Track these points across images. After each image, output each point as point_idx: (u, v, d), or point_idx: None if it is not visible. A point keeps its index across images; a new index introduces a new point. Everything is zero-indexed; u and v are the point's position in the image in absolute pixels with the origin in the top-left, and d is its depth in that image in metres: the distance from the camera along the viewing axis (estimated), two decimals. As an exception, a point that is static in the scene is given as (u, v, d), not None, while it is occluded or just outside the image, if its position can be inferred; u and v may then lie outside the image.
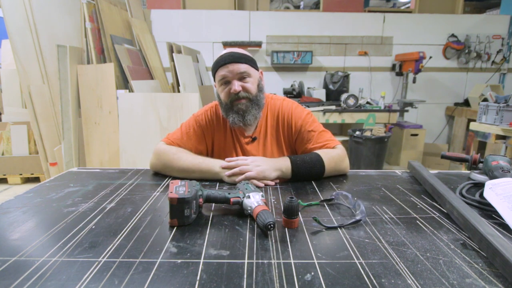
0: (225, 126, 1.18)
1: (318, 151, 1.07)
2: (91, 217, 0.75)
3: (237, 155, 1.17)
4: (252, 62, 1.10)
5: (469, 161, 1.03)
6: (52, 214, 0.77)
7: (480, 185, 0.93)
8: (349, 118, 3.45)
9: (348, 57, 4.08)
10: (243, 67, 1.06)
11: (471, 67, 4.14)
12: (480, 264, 0.56)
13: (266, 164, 0.99)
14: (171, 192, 0.70)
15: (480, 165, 1.02)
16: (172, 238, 0.65)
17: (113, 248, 0.61)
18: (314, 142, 1.12)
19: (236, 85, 1.05)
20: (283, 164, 1.00)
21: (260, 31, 3.97)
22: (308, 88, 3.93)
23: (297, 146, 1.18)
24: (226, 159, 1.02)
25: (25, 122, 3.21)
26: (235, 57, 1.05)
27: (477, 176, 1.00)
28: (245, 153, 1.17)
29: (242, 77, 1.06)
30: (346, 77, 3.79)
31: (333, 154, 1.06)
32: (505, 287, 0.50)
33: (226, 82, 1.07)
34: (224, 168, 0.99)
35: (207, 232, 0.68)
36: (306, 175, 1.02)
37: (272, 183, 0.99)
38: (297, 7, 4.66)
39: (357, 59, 4.08)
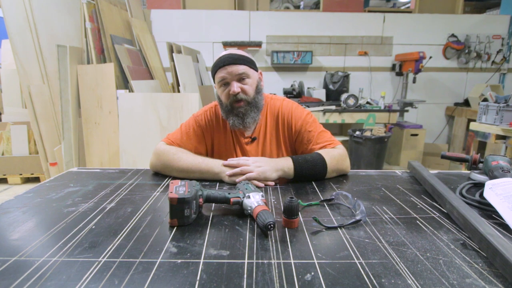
0: (224, 127, 1.18)
1: (320, 151, 1.07)
2: (91, 217, 0.75)
3: (237, 155, 1.18)
4: (250, 63, 1.10)
5: (469, 161, 1.03)
6: (52, 214, 0.77)
7: (480, 185, 0.93)
8: (349, 118, 3.45)
9: (348, 57, 4.08)
10: (241, 69, 1.06)
11: (471, 67, 4.14)
12: (480, 264, 0.56)
13: (267, 165, 0.99)
14: (171, 192, 0.70)
15: (480, 165, 1.02)
16: (172, 238, 0.65)
17: (113, 248, 0.61)
18: (314, 143, 1.12)
19: (235, 87, 1.05)
20: (285, 164, 1.00)
21: (260, 31, 3.97)
22: (308, 88, 3.93)
23: (297, 146, 1.18)
24: (225, 162, 1.02)
25: (25, 122, 3.21)
26: (233, 58, 1.06)
27: (477, 176, 1.00)
28: (244, 153, 1.17)
29: (241, 78, 1.07)
30: (346, 77, 3.79)
31: (335, 154, 1.06)
32: (505, 287, 0.50)
33: (225, 83, 1.08)
34: (225, 166, 1.00)
35: (207, 232, 0.68)
36: (309, 175, 1.01)
37: (272, 183, 0.99)
38: (297, 7, 4.66)
39: (357, 59, 4.08)
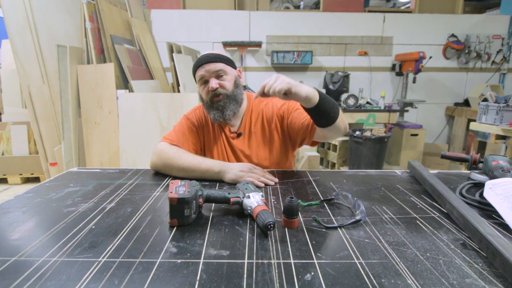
0: (212, 124, 1.24)
1: None
2: (91, 217, 0.75)
3: (225, 150, 1.22)
4: (227, 61, 1.15)
5: (469, 161, 1.03)
6: (52, 214, 0.77)
7: (480, 185, 0.93)
8: (349, 118, 3.45)
9: (348, 57, 4.08)
10: (219, 66, 1.11)
11: (471, 67, 4.14)
12: (480, 264, 0.56)
13: (292, 80, 0.89)
14: (171, 192, 0.70)
15: (480, 165, 1.02)
16: (172, 238, 0.65)
17: (113, 248, 0.61)
18: (305, 116, 1.10)
19: (213, 83, 1.10)
20: (310, 89, 0.91)
21: (260, 31, 3.97)
22: (308, 88, 3.92)
23: (292, 130, 1.16)
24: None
25: (25, 122, 3.21)
26: (210, 57, 1.12)
27: (477, 176, 1.00)
28: (232, 147, 1.21)
29: (218, 75, 1.12)
30: (346, 77, 3.79)
31: None
32: (505, 287, 0.50)
33: (204, 81, 1.13)
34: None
35: (207, 232, 0.68)
36: (328, 110, 0.94)
37: (272, 183, 0.99)
38: (297, 7, 4.66)
39: (357, 59, 4.08)
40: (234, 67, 1.19)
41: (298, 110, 1.15)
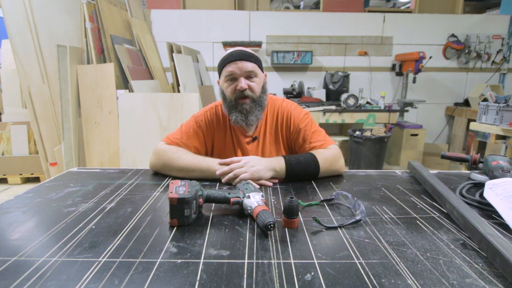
0: (225, 127, 1.19)
1: (313, 152, 1.07)
2: (91, 217, 0.75)
3: (236, 155, 1.18)
4: (259, 63, 1.12)
5: (469, 161, 1.03)
6: (52, 214, 0.77)
7: (480, 185, 0.93)
8: (349, 118, 3.45)
9: (348, 57, 4.08)
10: (251, 66, 1.07)
11: (471, 67, 4.14)
12: (480, 264, 0.56)
13: (260, 164, 0.98)
14: (171, 192, 0.70)
15: (480, 165, 1.02)
16: (172, 238, 0.65)
17: (113, 248, 0.61)
18: (309, 142, 1.13)
19: (243, 83, 1.06)
20: (277, 163, 1.00)
21: (260, 31, 3.97)
22: (308, 88, 3.93)
23: (293, 146, 1.19)
24: (219, 161, 1.01)
25: (25, 122, 3.21)
26: (245, 55, 1.07)
27: (477, 176, 1.00)
28: (245, 152, 1.17)
29: (249, 75, 1.08)
30: (346, 77, 3.79)
31: (328, 155, 1.06)
32: (505, 287, 0.50)
33: (232, 78, 1.08)
34: (219, 174, 0.99)
35: (207, 232, 0.68)
36: (301, 175, 1.02)
37: (270, 183, 0.99)
38: (297, 7, 4.66)
39: (357, 59, 4.08)
40: (263, 70, 1.15)
41: (305, 132, 1.14)
